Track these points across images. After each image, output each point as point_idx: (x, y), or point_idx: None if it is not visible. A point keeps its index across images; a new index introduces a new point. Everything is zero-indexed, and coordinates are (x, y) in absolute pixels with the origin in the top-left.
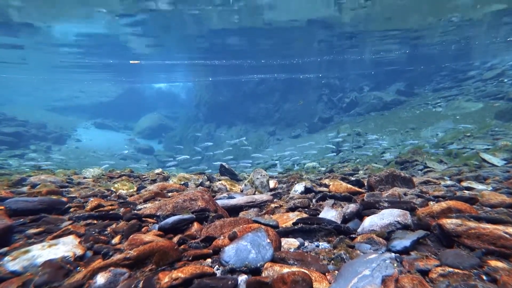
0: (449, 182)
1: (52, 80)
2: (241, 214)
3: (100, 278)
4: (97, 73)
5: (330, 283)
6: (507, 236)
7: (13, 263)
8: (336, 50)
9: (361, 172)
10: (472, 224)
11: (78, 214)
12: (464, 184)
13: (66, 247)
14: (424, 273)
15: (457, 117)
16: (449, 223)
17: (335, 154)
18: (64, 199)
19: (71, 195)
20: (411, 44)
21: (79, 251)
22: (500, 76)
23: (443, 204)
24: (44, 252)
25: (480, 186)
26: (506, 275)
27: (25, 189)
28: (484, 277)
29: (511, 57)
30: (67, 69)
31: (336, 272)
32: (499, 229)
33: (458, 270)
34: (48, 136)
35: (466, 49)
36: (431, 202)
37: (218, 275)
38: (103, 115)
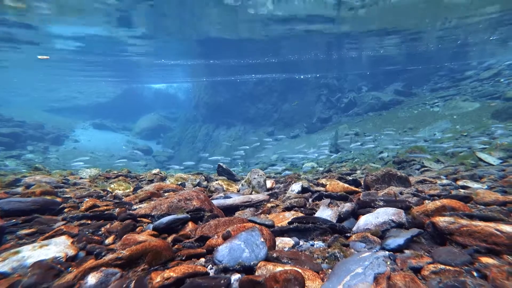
0: (445, 181)
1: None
2: (237, 214)
3: (91, 279)
4: (94, 72)
5: (323, 281)
6: (498, 233)
7: (2, 264)
8: (334, 47)
9: (358, 172)
10: (464, 221)
11: (72, 214)
12: (460, 183)
13: (57, 247)
14: (417, 270)
15: (454, 116)
16: (442, 221)
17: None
18: (59, 200)
19: (66, 195)
20: (408, 44)
21: (71, 252)
22: (497, 76)
23: (437, 203)
24: (34, 253)
25: (475, 185)
26: (496, 271)
27: (19, 189)
28: (475, 274)
29: (507, 57)
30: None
31: (330, 270)
32: (491, 226)
33: (449, 267)
34: (45, 137)
35: (463, 49)
36: (427, 201)
37: (211, 274)
38: (101, 116)
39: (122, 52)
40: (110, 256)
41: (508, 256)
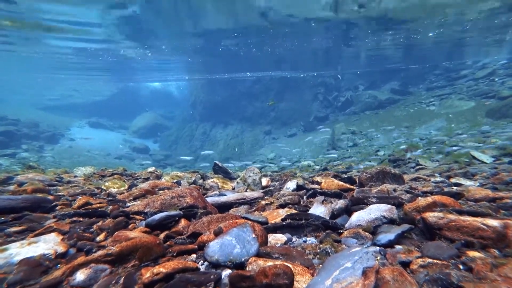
0: (438, 179)
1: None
2: (231, 211)
3: (80, 275)
4: (91, 71)
5: (312, 276)
6: (485, 227)
7: None
8: (332, 44)
9: (354, 170)
10: (453, 216)
11: (64, 212)
12: (453, 180)
13: (47, 244)
14: (406, 264)
15: (450, 115)
16: (432, 216)
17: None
18: (51, 197)
19: (59, 193)
20: (405, 43)
21: (61, 249)
22: (491, 75)
23: (429, 199)
24: (22, 250)
25: (468, 182)
26: (481, 264)
27: (11, 187)
28: (461, 267)
29: (501, 56)
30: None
31: (320, 266)
32: (478, 221)
33: (437, 261)
34: (40, 136)
35: (459, 48)
36: (419, 198)
37: (202, 270)
38: (97, 114)
39: (118, 48)
40: (99, 252)
41: (494, 250)
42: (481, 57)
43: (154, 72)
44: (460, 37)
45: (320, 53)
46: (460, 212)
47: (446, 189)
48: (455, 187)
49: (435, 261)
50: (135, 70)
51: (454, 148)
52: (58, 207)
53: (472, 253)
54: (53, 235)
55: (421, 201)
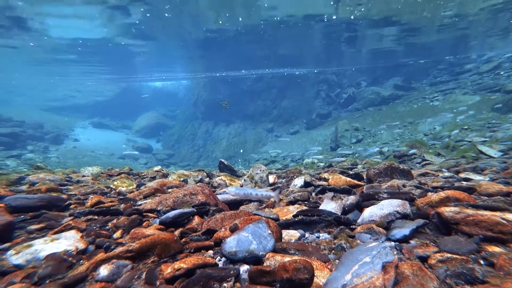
0: (447, 174)
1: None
2: (241, 208)
3: (103, 270)
4: (94, 70)
5: (331, 271)
6: (505, 222)
7: (17, 257)
8: (333, 44)
9: (359, 166)
10: (470, 211)
11: (79, 210)
12: (462, 175)
13: (68, 241)
14: (423, 259)
15: (454, 110)
16: (448, 211)
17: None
18: (64, 196)
19: (71, 192)
20: (408, 38)
21: (81, 245)
22: (497, 68)
23: (442, 194)
24: (46, 246)
25: (477, 177)
26: (503, 259)
27: (24, 187)
28: (482, 262)
29: (507, 49)
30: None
31: (337, 261)
32: (497, 216)
33: (456, 256)
34: (45, 136)
35: (463, 42)
36: (430, 193)
37: (220, 265)
38: (100, 115)
39: (120, 46)
40: (120, 248)
41: None
42: (486, 50)
43: (155, 70)
44: (463, 29)
45: (322, 50)
46: (476, 207)
47: (456, 184)
48: (465, 182)
49: (454, 256)
50: (137, 65)
51: (460, 143)
52: (72, 206)
53: (492, 248)
54: (72, 233)
55: (434, 196)
